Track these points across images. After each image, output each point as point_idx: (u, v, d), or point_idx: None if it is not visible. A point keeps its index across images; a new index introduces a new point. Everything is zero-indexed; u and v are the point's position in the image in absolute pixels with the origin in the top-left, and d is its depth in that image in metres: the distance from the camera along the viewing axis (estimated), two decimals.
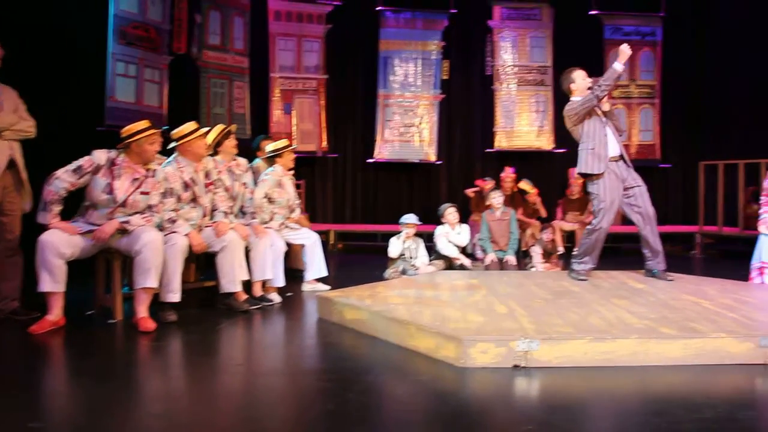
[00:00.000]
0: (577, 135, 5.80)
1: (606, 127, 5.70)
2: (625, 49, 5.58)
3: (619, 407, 3.10)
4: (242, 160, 5.97)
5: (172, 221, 4.94)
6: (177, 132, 5.21)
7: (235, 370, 3.67)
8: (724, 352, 3.68)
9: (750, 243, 7.12)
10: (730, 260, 8.89)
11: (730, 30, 11.05)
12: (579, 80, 5.81)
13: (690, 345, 3.68)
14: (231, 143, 5.79)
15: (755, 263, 6.29)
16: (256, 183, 6.11)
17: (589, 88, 5.73)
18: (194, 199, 5.22)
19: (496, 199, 7.47)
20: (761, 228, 6.33)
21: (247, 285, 5.51)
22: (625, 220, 10.99)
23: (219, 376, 3.56)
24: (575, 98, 5.79)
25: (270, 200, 6.09)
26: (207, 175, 5.38)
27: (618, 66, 5.57)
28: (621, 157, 5.73)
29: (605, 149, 5.63)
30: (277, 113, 10.89)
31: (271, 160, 6.31)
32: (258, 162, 6.77)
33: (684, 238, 10.61)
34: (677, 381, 3.43)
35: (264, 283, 5.66)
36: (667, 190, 11.77)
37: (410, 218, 7.07)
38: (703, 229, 10.06)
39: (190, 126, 5.25)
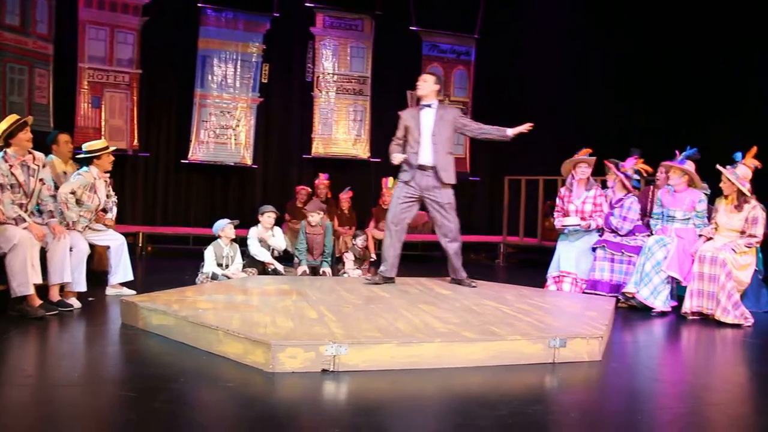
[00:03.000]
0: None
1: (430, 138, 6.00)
2: (524, 129, 6.01)
3: (423, 407, 3.21)
4: (39, 155, 5.49)
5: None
6: None
7: (25, 383, 3.38)
8: (519, 353, 3.94)
9: (547, 252, 7.74)
10: (529, 268, 9.57)
11: (534, 54, 11.96)
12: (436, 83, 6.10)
13: (489, 347, 3.90)
14: (26, 136, 5.27)
15: (552, 272, 6.85)
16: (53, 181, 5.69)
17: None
18: None
19: (314, 218, 7.49)
20: (556, 223, 6.97)
21: (44, 289, 5.12)
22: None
23: (4, 390, 3.25)
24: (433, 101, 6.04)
25: (77, 202, 5.70)
26: None
27: (510, 133, 6.04)
28: (433, 169, 5.99)
29: (416, 159, 5.97)
30: (84, 106, 10.20)
31: (87, 160, 5.90)
32: (52, 158, 6.27)
33: (489, 247, 11.30)
34: (477, 381, 3.62)
35: (62, 287, 5.29)
36: (475, 202, 12.47)
37: (225, 223, 6.85)
38: (506, 239, 10.73)
39: None
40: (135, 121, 10.52)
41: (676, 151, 6.42)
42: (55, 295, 5.21)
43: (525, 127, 5.97)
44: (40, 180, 5.38)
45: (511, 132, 6.05)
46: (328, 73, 11.46)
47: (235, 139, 10.95)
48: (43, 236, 5.08)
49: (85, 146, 6.01)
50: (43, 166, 5.47)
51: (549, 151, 10.84)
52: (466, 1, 11.98)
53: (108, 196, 6.13)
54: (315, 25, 11.44)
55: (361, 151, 11.54)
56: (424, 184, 6.00)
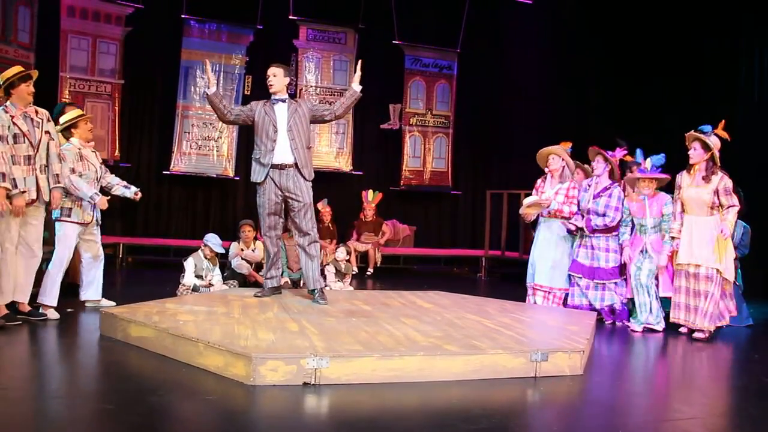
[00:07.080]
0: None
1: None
2: (359, 70, 5.74)
3: (404, 422, 3.20)
4: (42, 110, 5.27)
5: None
6: None
7: (0, 395, 3.33)
8: (500, 367, 3.94)
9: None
10: (510, 282, 9.58)
11: (516, 68, 12.07)
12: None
13: (471, 361, 3.90)
14: (28, 89, 5.09)
15: (529, 281, 6.81)
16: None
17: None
18: None
19: None
20: (521, 210, 6.79)
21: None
22: (417, 241, 11.62)
23: None
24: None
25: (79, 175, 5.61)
26: None
27: (355, 87, 5.69)
28: (293, 166, 5.59)
29: (271, 158, 5.57)
30: None
31: (67, 133, 5.79)
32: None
33: (471, 261, 11.33)
34: (459, 395, 3.61)
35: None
36: (457, 216, 12.51)
37: (215, 244, 6.76)
38: (488, 253, 10.76)
39: None
40: (117, 132, 10.45)
41: (644, 160, 6.31)
42: (24, 305, 5.12)
43: (359, 67, 5.72)
44: (46, 132, 5.20)
45: (355, 86, 5.69)
46: (311, 86, 11.47)
47: (217, 151, 10.91)
48: (22, 212, 4.90)
49: (62, 118, 5.85)
50: (48, 121, 5.26)
51: (531, 164, 10.91)
52: (449, 16, 12.05)
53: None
54: (298, 38, 11.46)
55: (344, 164, 11.55)
56: (284, 183, 5.58)
